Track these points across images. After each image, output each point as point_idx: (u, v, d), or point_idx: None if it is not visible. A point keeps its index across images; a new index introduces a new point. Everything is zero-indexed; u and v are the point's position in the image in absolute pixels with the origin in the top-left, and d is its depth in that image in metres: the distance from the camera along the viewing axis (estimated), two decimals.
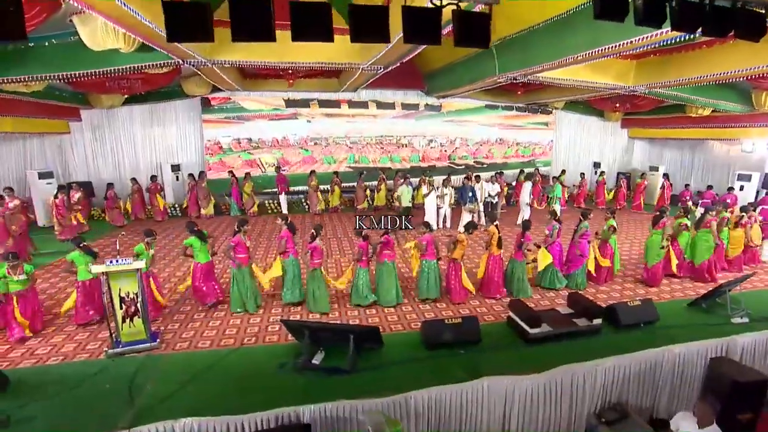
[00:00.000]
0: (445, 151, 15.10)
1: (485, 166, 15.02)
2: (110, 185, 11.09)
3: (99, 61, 7.71)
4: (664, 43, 5.95)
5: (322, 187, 12.65)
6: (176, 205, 12.58)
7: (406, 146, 14.72)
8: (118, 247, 5.18)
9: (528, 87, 11.85)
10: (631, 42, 5.79)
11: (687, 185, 12.04)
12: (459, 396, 4.41)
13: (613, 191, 13.56)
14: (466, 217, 10.30)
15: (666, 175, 12.73)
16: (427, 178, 11.45)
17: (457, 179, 12.96)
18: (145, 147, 12.92)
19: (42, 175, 10.82)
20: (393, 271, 6.21)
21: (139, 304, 4.97)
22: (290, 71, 10.75)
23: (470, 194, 10.49)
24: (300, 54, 8.43)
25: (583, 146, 15.44)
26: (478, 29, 3.78)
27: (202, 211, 12.07)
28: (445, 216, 10.89)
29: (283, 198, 12.59)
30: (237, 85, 11.62)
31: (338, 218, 12.23)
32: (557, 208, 11.16)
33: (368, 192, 12.90)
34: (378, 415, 3.92)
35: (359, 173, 13.07)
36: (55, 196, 9.28)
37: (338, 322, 5.82)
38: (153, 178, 11.75)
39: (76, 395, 4.25)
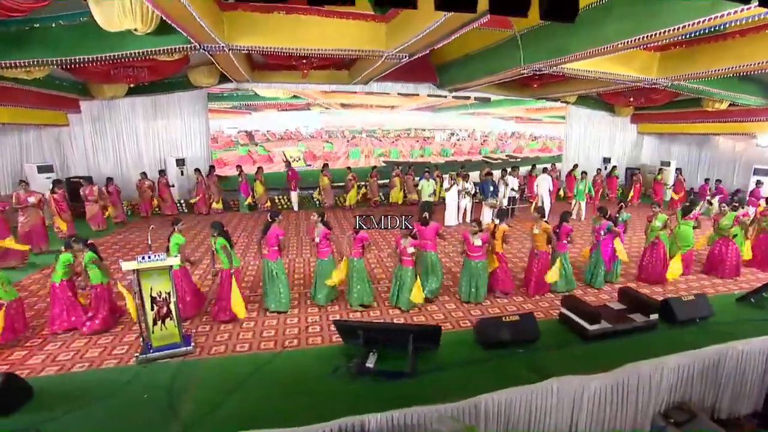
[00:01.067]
0: (478, 143, 14.81)
1: (519, 160, 14.79)
2: (110, 179, 10.48)
3: (109, 45, 7.17)
4: (701, 32, 5.76)
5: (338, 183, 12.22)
6: (182, 201, 12.01)
7: (427, 140, 14.38)
8: (149, 242, 4.70)
9: (544, 80, 11.56)
10: (672, 30, 5.56)
11: (707, 180, 11.94)
12: (528, 398, 4.10)
13: (621, 187, 13.43)
14: (486, 212, 10.02)
15: (679, 170, 12.62)
16: (452, 173, 11.09)
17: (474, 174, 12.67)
18: (148, 140, 12.30)
19: (42, 169, 10.18)
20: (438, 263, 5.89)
21: (171, 305, 4.52)
22: (304, 61, 10.30)
23: (491, 189, 10.19)
24: (321, 40, 8.02)
25: (593, 141, 15.29)
26: (568, 1, 3.40)
27: (213, 205, 11.56)
28: (465, 211, 10.58)
29: (294, 194, 12.12)
30: (247, 75, 11.13)
31: (352, 214, 11.83)
32: (582, 203, 10.98)
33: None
34: (454, 421, 3.56)
35: (372, 168, 12.67)
36: (52, 191, 8.65)
37: (383, 320, 5.46)
38: (162, 172, 11.17)
39: (110, 405, 3.81)
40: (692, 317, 5.30)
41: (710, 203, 7.96)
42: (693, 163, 14.75)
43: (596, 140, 15.29)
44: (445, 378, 4.33)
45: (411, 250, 5.56)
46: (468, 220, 10.50)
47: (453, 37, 7.25)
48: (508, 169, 10.95)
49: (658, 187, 12.85)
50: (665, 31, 5.76)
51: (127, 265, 4.21)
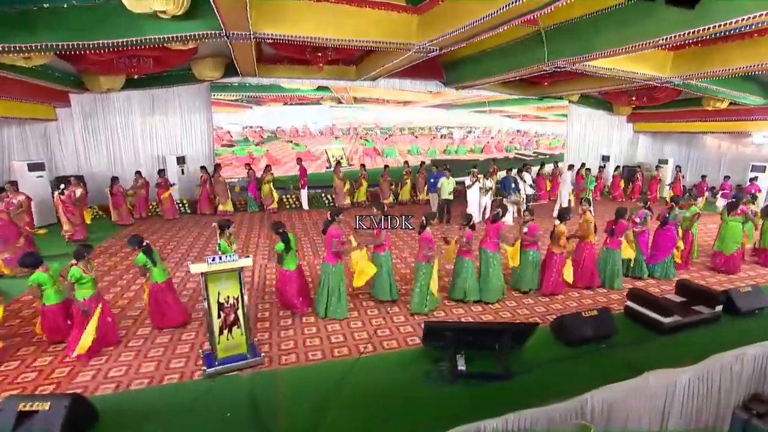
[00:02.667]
0: (494, 140, 14.88)
1: (548, 157, 14.96)
2: (115, 179, 9.65)
3: (126, 30, 6.56)
4: (720, 33, 5.89)
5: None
6: (184, 202, 11.28)
7: (444, 137, 14.29)
8: (218, 240, 4.23)
9: (555, 77, 11.66)
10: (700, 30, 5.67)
11: (704, 176, 12.41)
12: (627, 394, 3.95)
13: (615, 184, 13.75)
14: (509, 209, 9.94)
15: (678, 167, 13.06)
16: (473, 170, 10.93)
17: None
18: (145, 137, 11.48)
19: (32, 167, 9.23)
20: (500, 261, 5.69)
21: (239, 312, 4.08)
22: (319, 54, 9.89)
23: (513, 186, 10.13)
24: (351, 31, 7.67)
25: (592, 139, 15.61)
26: None
27: (220, 207, 10.91)
28: (485, 208, 10.47)
29: (304, 193, 11.64)
30: (255, 68, 10.59)
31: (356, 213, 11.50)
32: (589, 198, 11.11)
33: (392, 187, 12.28)
34: (578, 424, 3.36)
35: (385, 167, 12.36)
36: (61, 192, 7.86)
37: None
38: (161, 172, 10.40)
39: (188, 426, 3.36)
40: (753, 308, 5.35)
41: (755, 197, 8.08)
42: (683, 160, 15.34)
43: (595, 139, 15.63)
44: (539, 378, 4.12)
45: (463, 240, 5.42)
46: (487, 217, 10.40)
47: (490, 34, 7.14)
48: (530, 166, 10.95)
49: (654, 184, 13.25)
50: (696, 30, 5.87)
51: (196, 268, 3.75)
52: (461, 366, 4.09)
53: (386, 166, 12.41)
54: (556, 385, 3.99)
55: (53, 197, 8.03)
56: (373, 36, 7.90)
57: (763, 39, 7.83)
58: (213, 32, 6.96)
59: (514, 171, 10.60)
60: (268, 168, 11.10)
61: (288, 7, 7.20)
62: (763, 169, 11.43)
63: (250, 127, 12.03)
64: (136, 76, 10.31)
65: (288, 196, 12.05)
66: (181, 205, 11.13)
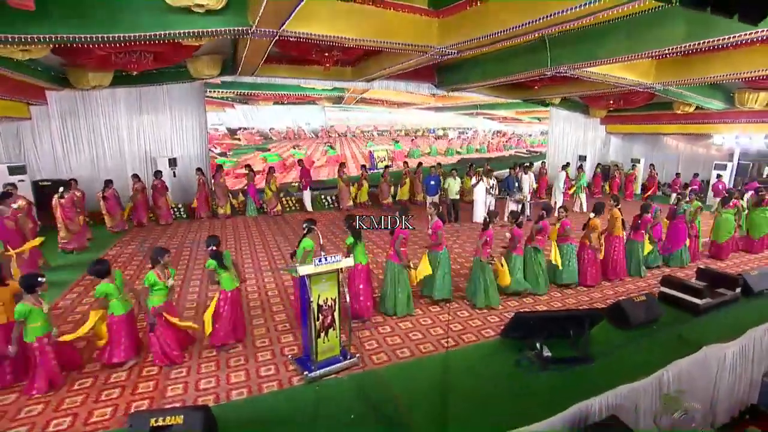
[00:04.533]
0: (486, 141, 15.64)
1: (539, 154, 15.97)
2: (109, 182, 9.01)
3: (149, 24, 6.27)
4: (721, 46, 6.78)
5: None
6: (179, 205, 10.73)
7: (441, 138, 14.78)
8: (321, 241, 4.19)
9: (545, 81, 12.44)
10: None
11: (678, 174, 13.78)
12: (690, 367, 4.45)
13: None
14: (512, 207, 10.48)
15: (652, 166, 14.41)
16: (479, 170, 11.38)
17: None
18: (132, 137, 10.79)
19: (13, 170, 8.39)
20: (542, 257, 6.07)
21: (336, 313, 4.10)
22: (326, 54, 9.88)
23: (516, 184, 10.70)
24: (373, 32, 7.76)
25: (570, 140, 16.76)
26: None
27: (219, 211, 10.51)
28: (489, 207, 10.94)
29: (307, 194, 11.51)
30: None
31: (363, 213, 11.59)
32: (582, 196, 11.99)
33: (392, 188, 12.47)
34: (662, 395, 3.78)
35: (385, 167, 12.51)
36: (61, 196, 7.24)
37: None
38: (157, 174, 9.84)
39: (317, 429, 3.35)
40: (763, 288, 6.14)
41: (681, 195, 9.07)
42: (648, 159, 16.93)
43: (573, 139, 16.80)
44: (612, 359, 4.52)
45: (508, 235, 5.81)
46: None
47: (513, 41, 7.59)
48: (532, 165, 11.59)
49: (631, 180, 14.55)
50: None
51: (303, 270, 3.73)
52: (547, 353, 4.39)
53: (386, 167, 12.57)
54: (628, 364, 4.39)
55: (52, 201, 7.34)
56: (395, 37, 8.04)
57: (736, 51, 8.94)
58: (240, 29, 6.83)
59: (517, 170, 11.16)
60: (271, 170, 10.86)
61: (315, 6, 7.17)
62: (724, 167, 12.94)
63: (244, 129, 11.68)
64: (124, 73, 9.72)
65: (288, 198, 11.84)
66: (176, 209, 10.59)
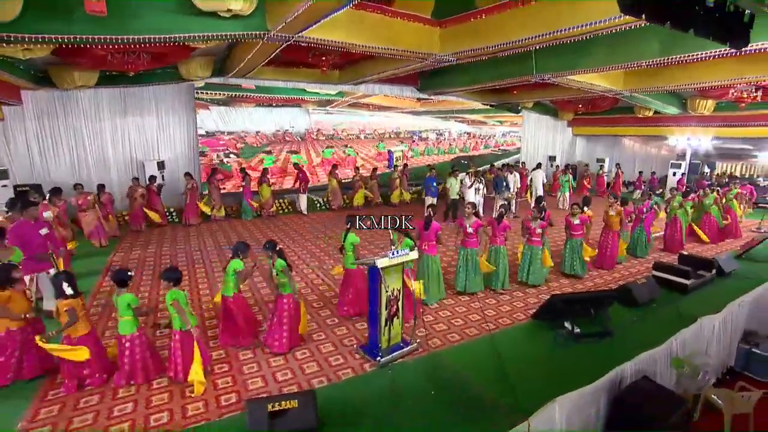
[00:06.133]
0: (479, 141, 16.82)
1: (507, 152, 17.38)
2: (102, 186, 8.79)
3: (169, 26, 6.37)
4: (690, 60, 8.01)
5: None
6: (171, 210, 10.56)
7: (424, 140, 15.63)
8: (392, 237, 4.60)
9: (523, 87, 13.52)
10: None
11: (641, 172, 15.44)
12: (690, 337, 5.35)
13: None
14: (500, 205, 11.36)
15: (618, 165, 16.02)
16: (470, 170, 12.14)
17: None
18: (116, 140, 10.48)
19: None
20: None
21: (400, 303, 4.55)
22: (324, 58, 10.24)
23: (504, 184, 11.59)
24: (382, 39, 8.25)
25: (541, 141, 18.14)
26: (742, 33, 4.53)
27: (214, 212, 10.49)
28: (478, 206, 11.75)
29: (303, 198, 11.72)
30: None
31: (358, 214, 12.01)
32: (566, 194, 13.14)
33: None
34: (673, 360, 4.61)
35: (373, 169, 12.99)
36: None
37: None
38: (152, 178, 9.68)
39: (407, 407, 3.77)
40: (731, 270, 7.32)
41: (646, 192, 10.41)
42: (610, 159, 18.73)
43: (543, 141, 18.20)
44: (630, 333, 5.32)
45: (539, 230, 6.52)
46: (481, 213, 11.72)
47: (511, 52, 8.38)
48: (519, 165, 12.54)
49: (601, 179, 16.10)
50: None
51: (381, 262, 4.16)
52: (576, 329, 5.11)
53: (375, 169, 13.05)
54: (643, 336, 5.21)
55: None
56: (400, 45, 8.59)
57: (694, 65, 10.37)
58: (256, 33, 7.06)
59: (504, 171, 12.08)
60: (265, 172, 10.97)
61: None
62: (678, 166, 14.73)
63: (221, 132, 11.70)
64: (108, 73, 9.51)
65: (281, 200, 11.98)
66: (167, 214, 10.43)
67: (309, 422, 3.26)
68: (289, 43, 7.67)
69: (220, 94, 11.26)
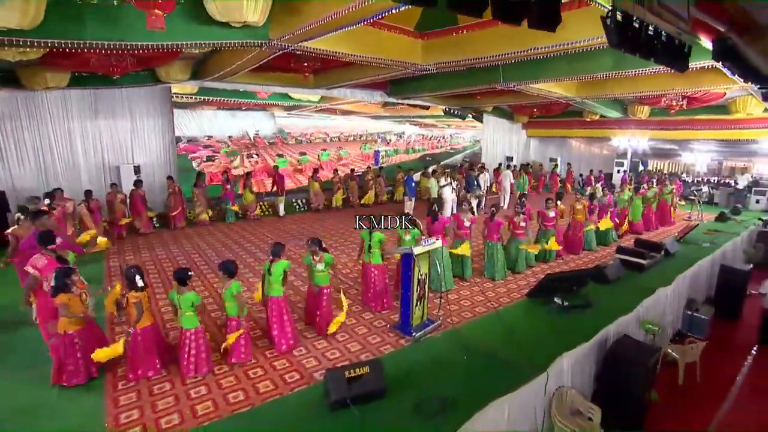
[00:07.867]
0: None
1: (459, 150, 18.86)
2: (89, 193, 8.67)
3: (178, 33, 6.74)
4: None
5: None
6: (153, 216, 10.53)
7: (389, 142, 16.63)
8: (399, 234, 5.33)
9: (486, 92, 14.91)
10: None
11: (591, 171, 17.51)
12: (654, 302, 6.68)
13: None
14: (475, 203, 12.58)
15: (569, 164, 18.03)
16: (447, 170, 13.20)
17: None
18: (87, 144, 10.29)
19: None
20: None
21: (426, 286, 5.37)
22: (305, 64, 10.84)
23: (476, 183, 12.82)
24: (371, 49, 9.01)
25: (498, 143, 19.84)
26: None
27: (202, 216, 10.61)
28: (453, 204, 12.88)
29: (282, 200, 12.13)
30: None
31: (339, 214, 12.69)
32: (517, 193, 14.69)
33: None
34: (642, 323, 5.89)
35: (351, 170, 13.69)
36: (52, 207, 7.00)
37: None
38: (138, 183, 9.65)
39: (445, 370, 4.56)
40: (675, 251, 8.95)
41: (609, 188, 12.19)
42: (561, 159, 20.93)
43: (501, 142, 19.91)
44: (605, 303, 6.54)
45: (523, 224, 7.67)
46: (455, 211, 12.88)
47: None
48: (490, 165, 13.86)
49: (555, 177, 18.04)
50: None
51: (418, 249, 4.95)
52: (565, 303, 6.24)
53: (352, 170, 13.77)
54: (619, 305, 6.43)
55: None
56: (386, 54, 9.42)
57: (637, 77, 12.20)
58: (256, 41, 7.54)
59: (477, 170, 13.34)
60: (249, 175, 11.28)
61: None
62: (622, 164, 16.96)
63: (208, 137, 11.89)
64: (77, 74, 9.39)
65: (263, 202, 12.31)
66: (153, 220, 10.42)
67: (379, 386, 3.97)
68: (282, 52, 8.22)
69: (179, 96, 11.38)
